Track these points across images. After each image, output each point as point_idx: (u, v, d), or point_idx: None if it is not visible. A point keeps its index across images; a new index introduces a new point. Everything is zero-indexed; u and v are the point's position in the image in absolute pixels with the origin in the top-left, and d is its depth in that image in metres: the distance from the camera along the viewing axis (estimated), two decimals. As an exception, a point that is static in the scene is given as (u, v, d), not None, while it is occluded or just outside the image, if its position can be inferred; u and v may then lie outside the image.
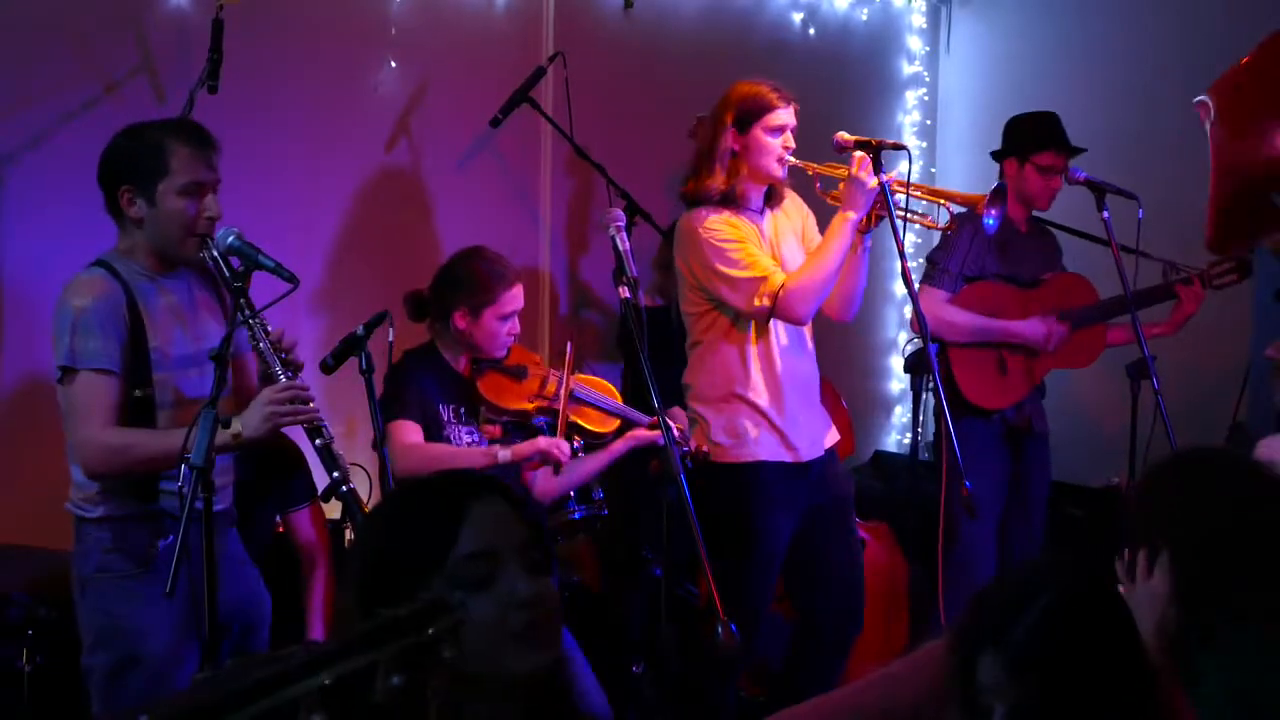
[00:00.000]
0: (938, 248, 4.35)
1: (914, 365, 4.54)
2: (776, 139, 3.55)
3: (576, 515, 4.02)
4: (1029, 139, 4.27)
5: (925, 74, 5.70)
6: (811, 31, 5.31)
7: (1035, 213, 4.38)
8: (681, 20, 4.98)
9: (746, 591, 3.55)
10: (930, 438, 5.07)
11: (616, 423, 3.74)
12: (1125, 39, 5.14)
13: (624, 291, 3.26)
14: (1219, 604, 1.91)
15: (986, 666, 1.57)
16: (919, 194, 3.54)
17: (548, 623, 1.55)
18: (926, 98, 5.71)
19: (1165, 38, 5.03)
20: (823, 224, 3.65)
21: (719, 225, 3.54)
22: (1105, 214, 3.98)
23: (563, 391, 3.63)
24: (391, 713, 1.13)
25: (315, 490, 3.58)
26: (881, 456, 5.52)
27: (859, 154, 3.44)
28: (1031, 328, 4.22)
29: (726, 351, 3.61)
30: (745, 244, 3.53)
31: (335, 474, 2.72)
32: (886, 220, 3.41)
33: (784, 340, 3.63)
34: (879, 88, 5.57)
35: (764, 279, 3.48)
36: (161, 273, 2.84)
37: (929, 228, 3.84)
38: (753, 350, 3.60)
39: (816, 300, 3.50)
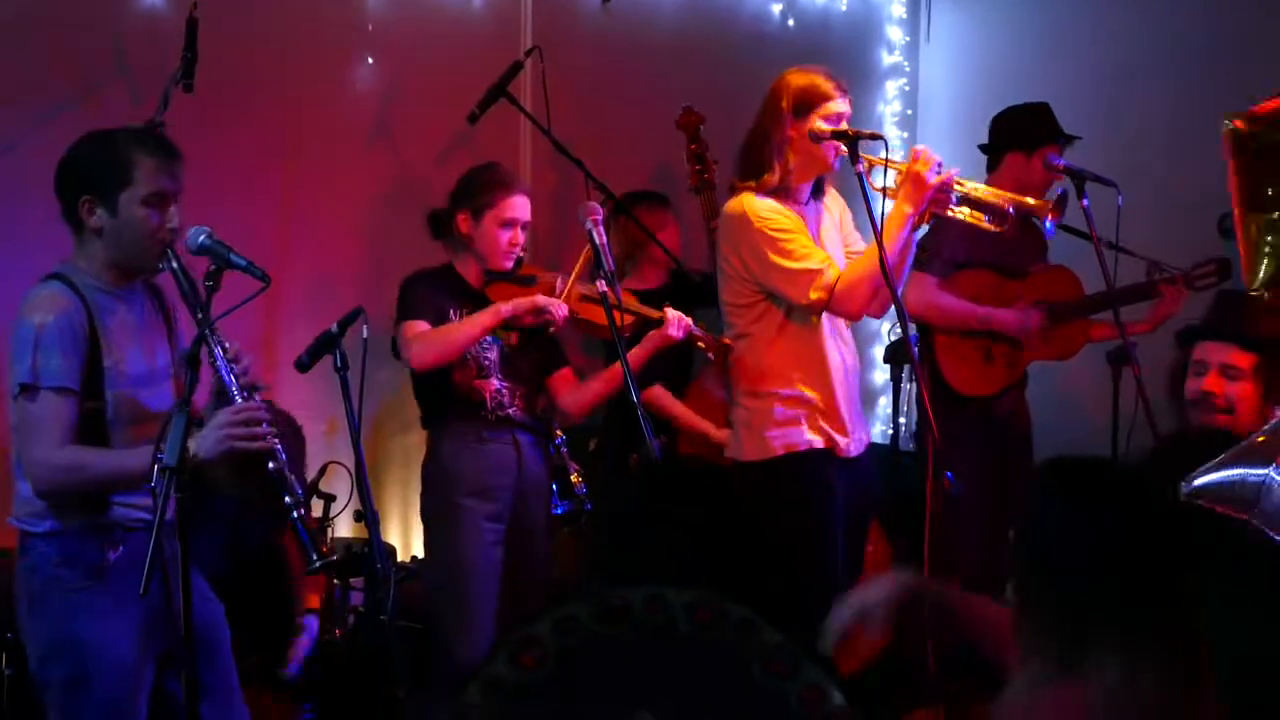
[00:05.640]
0: (929, 233, 4.32)
1: (894, 355, 4.53)
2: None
3: (560, 510, 4.01)
4: (1037, 131, 4.23)
5: (905, 64, 5.69)
6: (791, 22, 5.30)
7: None
8: (660, 13, 4.97)
9: (817, 587, 3.27)
10: (914, 427, 5.06)
11: (630, 320, 3.63)
12: (1105, 28, 5.14)
13: (601, 285, 3.25)
14: None
15: None
16: (980, 194, 3.38)
17: None
18: (907, 88, 5.70)
19: (1145, 27, 5.03)
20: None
21: (773, 214, 3.41)
22: (1085, 202, 3.96)
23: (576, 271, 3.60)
24: None
25: None
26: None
27: (920, 147, 3.35)
28: (1011, 315, 4.22)
29: (780, 345, 3.48)
30: (799, 235, 3.42)
31: (287, 499, 2.68)
32: (863, 206, 3.33)
33: (834, 334, 3.52)
34: (859, 78, 5.55)
35: (820, 272, 3.37)
36: (118, 286, 2.78)
37: (985, 228, 3.45)
38: (808, 344, 3.47)
39: (871, 296, 3.38)
